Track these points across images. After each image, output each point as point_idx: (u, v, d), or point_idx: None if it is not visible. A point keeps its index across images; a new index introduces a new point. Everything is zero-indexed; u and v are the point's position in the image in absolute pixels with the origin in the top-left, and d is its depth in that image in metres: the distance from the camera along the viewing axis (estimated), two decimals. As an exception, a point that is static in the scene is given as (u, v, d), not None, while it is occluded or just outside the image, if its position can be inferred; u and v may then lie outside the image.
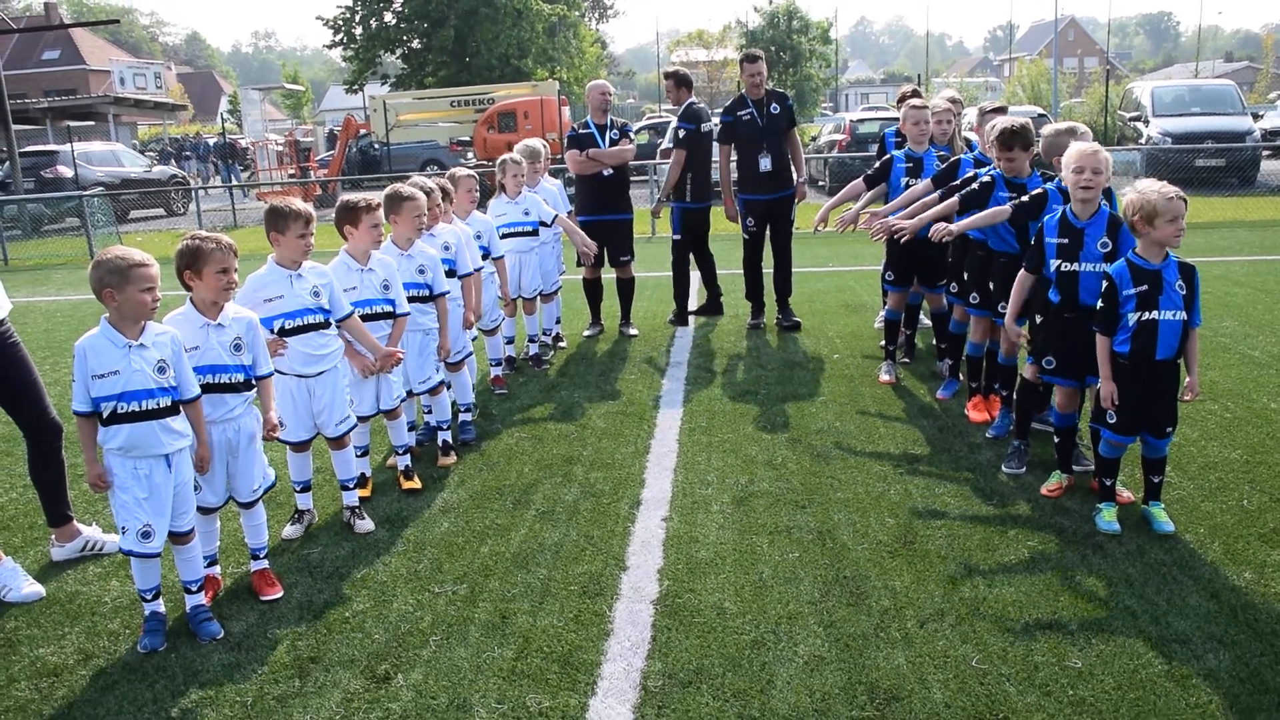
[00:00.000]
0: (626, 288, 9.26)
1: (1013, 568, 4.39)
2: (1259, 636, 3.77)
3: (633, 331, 9.23)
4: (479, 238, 6.75)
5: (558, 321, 8.83)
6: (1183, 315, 4.49)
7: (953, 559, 4.49)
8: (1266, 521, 4.75)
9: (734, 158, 8.94)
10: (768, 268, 9.22)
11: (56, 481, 4.96)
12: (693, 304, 9.95)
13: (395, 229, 5.56)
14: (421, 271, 5.63)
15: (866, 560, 4.51)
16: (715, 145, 9.23)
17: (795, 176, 9.03)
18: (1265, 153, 21.97)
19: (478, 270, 6.36)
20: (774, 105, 8.81)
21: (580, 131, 8.89)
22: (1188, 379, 4.62)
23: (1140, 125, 21.67)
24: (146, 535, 3.91)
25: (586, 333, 9.22)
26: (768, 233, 9.09)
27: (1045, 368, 5.12)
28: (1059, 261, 4.91)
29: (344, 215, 5.20)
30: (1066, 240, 4.89)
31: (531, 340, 8.22)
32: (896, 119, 8.16)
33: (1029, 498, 5.12)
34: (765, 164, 8.73)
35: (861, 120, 25.27)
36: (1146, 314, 4.47)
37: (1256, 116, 26.10)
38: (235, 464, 4.32)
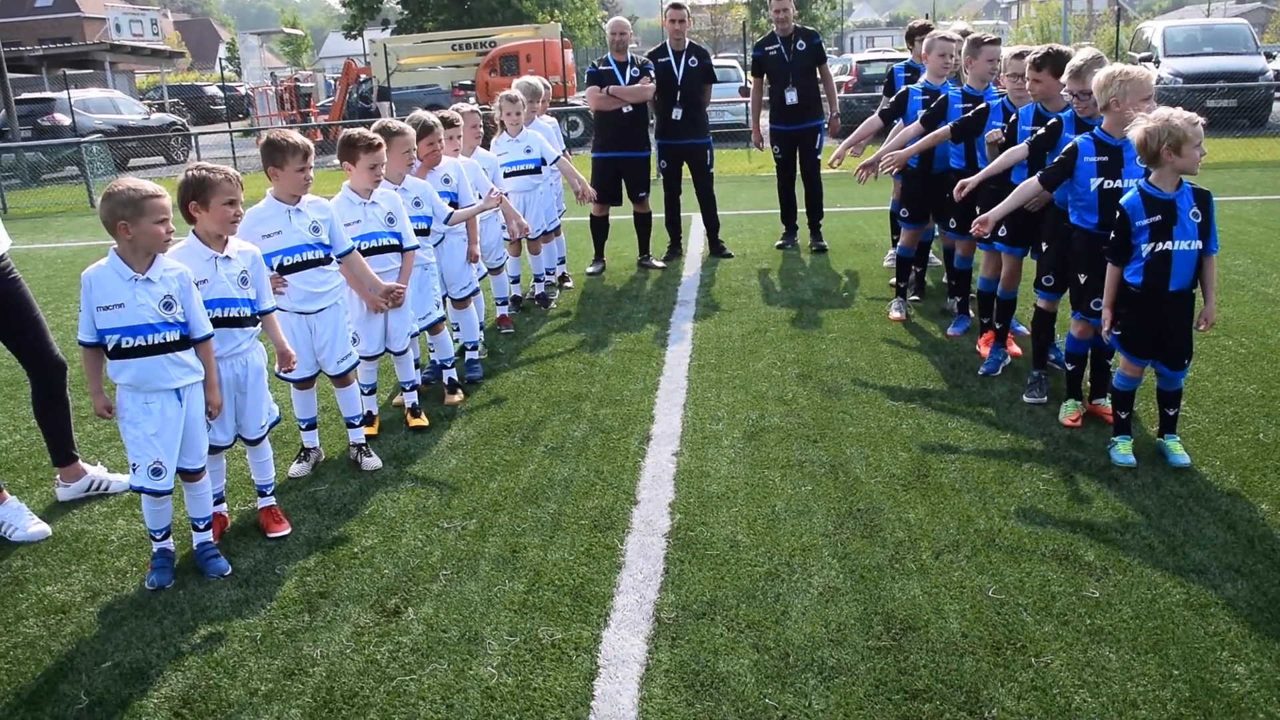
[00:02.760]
0: (644, 222, 9.29)
1: (1027, 500, 4.34)
2: (1277, 566, 3.72)
3: (659, 264, 9.30)
4: (487, 172, 6.64)
5: (561, 261, 8.75)
6: (1198, 244, 4.36)
7: (967, 492, 4.44)
8: (1283, 454, 4.70)
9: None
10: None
11: (61, 420, 4.91)
12: (698, 243, 9.98)
13: (387, 165, 5.46)
14: (417, 204, 5.54)
15: (880, 493, 4.46)
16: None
17: (828, 109, 9.75)
18: (1277, 94, 21.62)
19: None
20: (800, 42, 9.34)
21: (600, 68, 8.84)
22: (1204, 307, 4.52)
23: (1151, 66, 21.32)
24: (157, 472, 3.85)
25: (589, 270, 9.17)
26: (798, 161, 9.65)
27: (1045, 285, 5.33)
28: (1100, 179, 4.79)
29: (345, 150, 5.11)
30: (1106, 158, 4.75)
31: (537, 280, 8.14)
32: (902, 60, 8.62)
33: (1043, 431, 5.06)
34: (791, 97, 9.34)
35: (868, 61, 24.91)
36: (1160, 245, 4.34)
37: (1270, 56, 25.66)
38: (243, 400, 4.26)
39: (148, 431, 3.85)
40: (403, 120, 5.66)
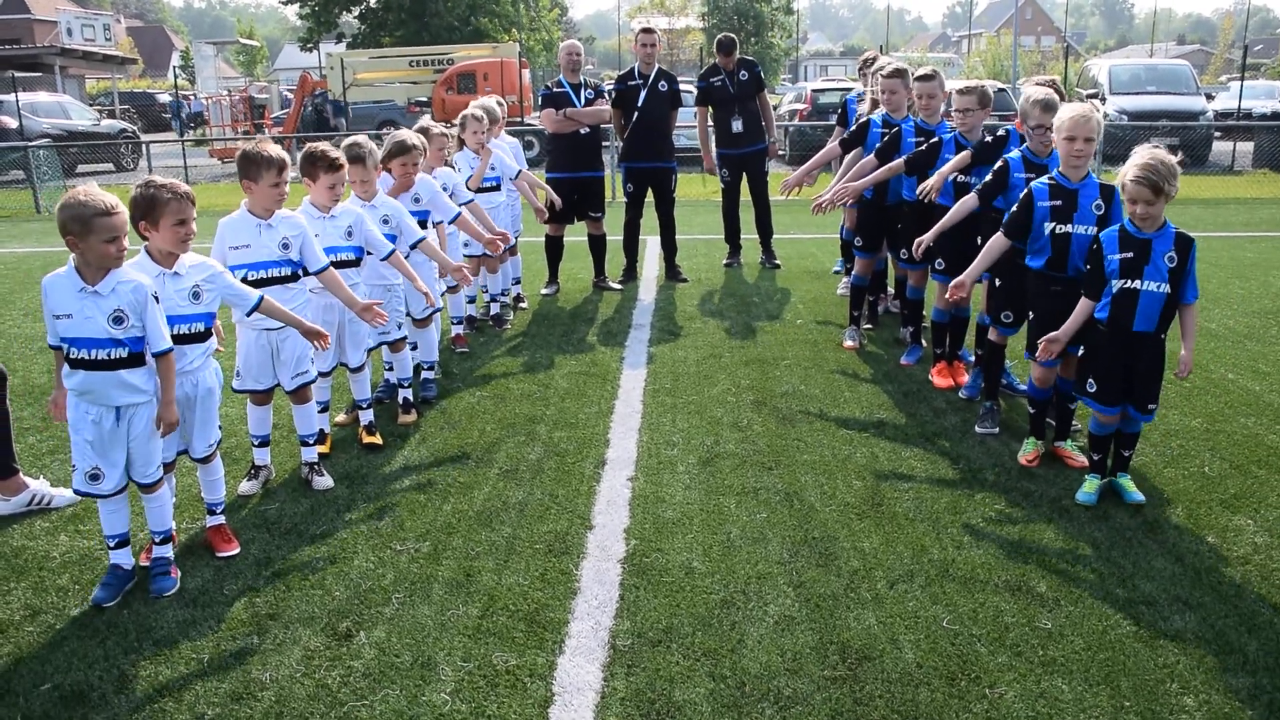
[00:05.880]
0: (599, 244, 9.31)
1: (980, 530, 4.38)
2: (1223, 599, 3.79)
3: (615, 285, 9.34)
4: (445, 190, 6.63)
5: (517, 282, 8.73)
6: (1166, 288, 4.31)
7: (920, 521, 4.47)
8: (1227, 487, 4.79)
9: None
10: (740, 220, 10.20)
11: (0, 431, 4.78)
12: (654, 267, 10.06)
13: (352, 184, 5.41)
14: (385, 222, 5.51)
15: (835, 522, 4.48)
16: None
17: (767, 135, 10.02)
18: (1217, 133, 22.23)
19: (458, 214, 6.28)
20: (743, 72, 9.75)
21: (555, 90, 8.83)
22: (1182, 354, 4.45)
23: (1097, 103, 21.79)
24: (94, 478, 3.83)
25: (544, 291, 9.17)
26: (744, 184, 10.03)
27: (1004, 321, 5.41)
28: (1053, 224, 4.84)
29: (307, 166, 5.08)
30: (1060, 203, 4.82)
31: (493, 300, 8.10)
32: (854, 89, 8.92)
33: (995, 462, 5.12)
34: (737, 125, 9.73)
35: (822, 90, 25.24)
36: (1128, 282, 4.35)
37: (1209, 97, 26.38)
38: (192, 417, 4.17)
39: (85, 437, 3.82)
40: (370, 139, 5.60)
